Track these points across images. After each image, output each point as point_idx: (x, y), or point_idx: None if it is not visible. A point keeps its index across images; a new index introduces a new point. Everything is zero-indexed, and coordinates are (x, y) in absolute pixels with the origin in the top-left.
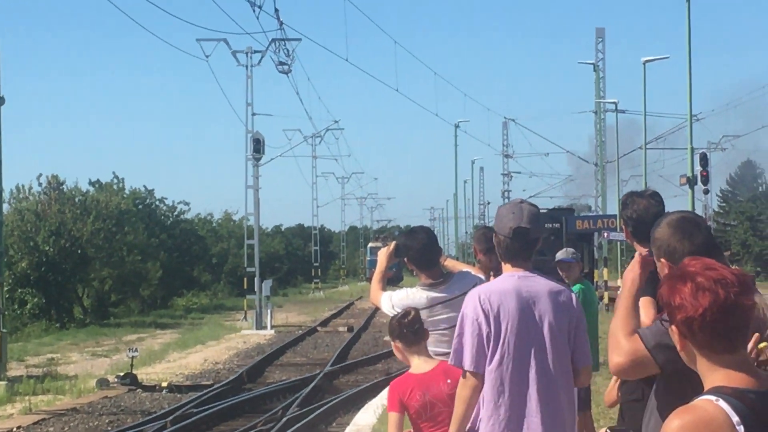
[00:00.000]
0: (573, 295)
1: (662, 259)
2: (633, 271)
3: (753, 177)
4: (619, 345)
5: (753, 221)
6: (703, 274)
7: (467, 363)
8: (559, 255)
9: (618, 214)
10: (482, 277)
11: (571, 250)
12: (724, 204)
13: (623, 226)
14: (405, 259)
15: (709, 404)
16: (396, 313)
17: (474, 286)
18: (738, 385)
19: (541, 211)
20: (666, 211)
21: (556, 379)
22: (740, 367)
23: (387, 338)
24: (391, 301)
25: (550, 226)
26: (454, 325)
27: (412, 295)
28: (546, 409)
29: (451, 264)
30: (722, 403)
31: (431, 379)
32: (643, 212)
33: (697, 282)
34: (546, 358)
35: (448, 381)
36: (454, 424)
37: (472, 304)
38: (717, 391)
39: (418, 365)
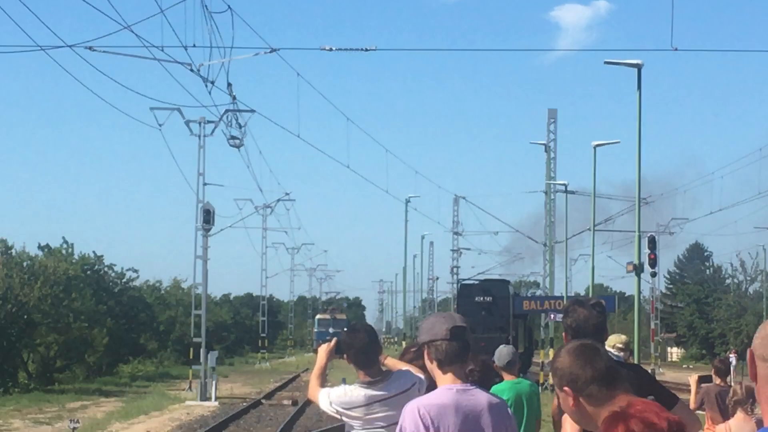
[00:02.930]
0: (508, 408)
1: (565, 387)
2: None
3: (701, 260)
4: None
5: (699, 304)
6: (638, 417)
7: None
8: (502, 359)
9: (565, 295)
10: (421, 376)
11: (510, 350)
12: (671, 286)
13: (564, 333)
14: (344, 356)
15: None
16: (334, 410)
17: (413, 385)
18: None
19: (473, 282)
20: (606, 315)
21: None
22: None
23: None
24: (329, 398)
25: (481, 299)
26: (393, 424)
27: (350, 393)
28: None
29: (390, 363)
30: None
31: None
32: (582, 322)
33: (629, 424)
34: None
35: None
36: None
37: (411, 418)
38: None
39: None
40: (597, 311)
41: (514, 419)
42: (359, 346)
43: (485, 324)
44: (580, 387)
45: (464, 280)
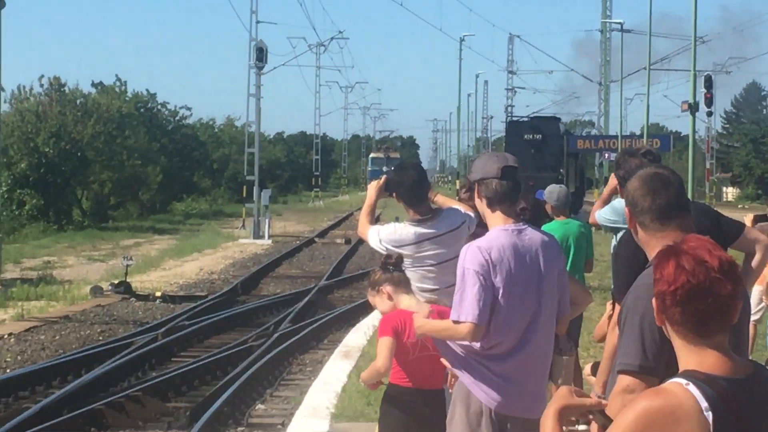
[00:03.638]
0: (559, 245)
1: (626, 207)
2: None
3: (758, 99)
4: None
5: (756, 143)
6: (690, 254)
7: (472, 316)
8: (554, 199)
9: (619, 134)
10: (471, 214)
11: (563, 190)
12: (727, 125)
13: (617, 185)
14: (394, 195)
15: (679, 388)
16: (383, 248)
17: (463, 223)
18: (711, 371)
19: (523, 120)
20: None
21: (549, 333)
22: (715, 352)
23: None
24: (379, 236)
25: (531, 137)
26: (441, 262)
27: (399, 230)
28: (542, 367)
29: (441, 200)
30: (692, 388)
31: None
32: (635, 172)
33: (680, 260)
34: (542, 311)
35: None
36: (431, 331)
37: (473, 257)
38: (689, 375)
39: (410, 305)
40: (648, 159)
41: (564, 256)
42: (408, 183)
43: (534, 162)
44: (636, 213)
45: (514, 117)
